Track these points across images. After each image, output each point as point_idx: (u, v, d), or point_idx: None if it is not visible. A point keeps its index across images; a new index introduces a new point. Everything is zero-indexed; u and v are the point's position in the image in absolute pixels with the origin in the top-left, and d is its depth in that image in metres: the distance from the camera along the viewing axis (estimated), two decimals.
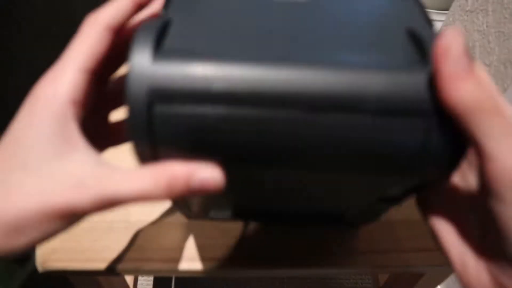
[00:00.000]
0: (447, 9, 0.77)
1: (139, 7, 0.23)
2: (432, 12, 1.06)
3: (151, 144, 0.20)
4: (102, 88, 0.24)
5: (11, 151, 0.20)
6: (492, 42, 0.61)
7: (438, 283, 0.50)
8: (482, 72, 0.18)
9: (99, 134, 0.25)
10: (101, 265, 0.37)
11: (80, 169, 0.19)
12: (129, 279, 0.62)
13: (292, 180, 0.24)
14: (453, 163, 0.20)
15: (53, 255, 0.37)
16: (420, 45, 0.20)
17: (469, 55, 0.18)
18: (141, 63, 0.19)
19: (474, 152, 0.18)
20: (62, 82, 0.20)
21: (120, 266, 0.37)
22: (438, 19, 1.03)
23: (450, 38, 0.18)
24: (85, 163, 0.20)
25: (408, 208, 0.43)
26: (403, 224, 0.41)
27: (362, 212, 0.31)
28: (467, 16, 0.68)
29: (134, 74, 0.19)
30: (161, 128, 0.19)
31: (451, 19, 0.74)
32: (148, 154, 0.20)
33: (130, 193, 0.19)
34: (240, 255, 0.39)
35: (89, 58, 0.21)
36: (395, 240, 0.40)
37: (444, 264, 0.40)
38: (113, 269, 0.37)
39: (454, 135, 0.19)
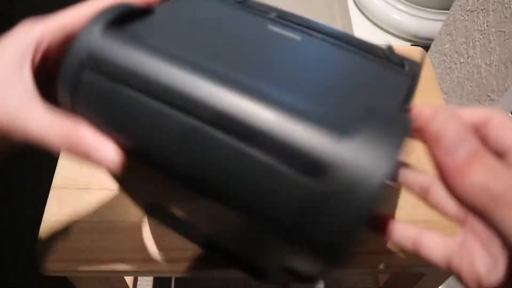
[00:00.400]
0: (447, 9, 0.77)
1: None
2: (433, 11, 1.06)
3: (72, 99, 0.22)
4: None
5: None
6: (492, 42, 0.61)
7: (439, 284, 0.50)
8: (490, 156, 0.14)
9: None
10: (101, 265, 0.37)
11: (13, 94, 0.22)
12: (129, 279, 0.62)
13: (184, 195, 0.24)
14: (335, 254, 0.17)
15: (53, 255, 0.37)
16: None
17: (469, 137, 0.14)
18: (92, 32, 0.21)
19: (499, 241, 0.15)
20: (38, 28, 0.23)
21: (120, 267, 0.37)
22: (439, 18, 1.03)
23: (442, 120, 0.15)
24: (20, 92, 0.22)
25: (410, 208, 0.43)
26: None
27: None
28: (468, 15, 0.68)
29: (81, 37, 0.21)
30: (84, 91, 0.21)
31: (451, 19, 0.74)
32: (67, 104, 0.22)
33: (35, 136, 0.21)
34: None
35: (75, 24, 0.23)
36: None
37: None
38: (112, 270, 0.37)
39: (344, 217, 0.16)
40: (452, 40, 0.74)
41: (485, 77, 0.63)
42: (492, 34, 0.61)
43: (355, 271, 0.39)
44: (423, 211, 0.43)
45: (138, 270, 0.38)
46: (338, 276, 0.81)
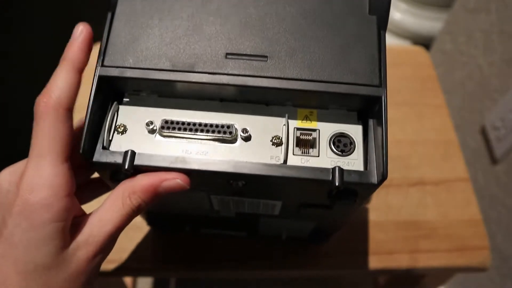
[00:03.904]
0: (448, 6, 0.77)
1: (82, 73, 0.22)
2: (434, 10, 1.05)
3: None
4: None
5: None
6: (495, 41, 0.61)
7: (439, 285, 0.50)
8: None
9: (82, 191, 0.25)
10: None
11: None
12: (128, 279, 0.62)
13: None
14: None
15: None
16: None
17: None
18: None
19: None
20: (50, 184, 0.19)
21: (119, 267, 0.37)
22: (440, 17, 1.03)
23: None
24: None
25: (410, 209, 0.42)
26: (404, 225, 0.41)
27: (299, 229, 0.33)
28: (470, 14, 0.67)
29: None
30: None
31: (453, 18, 0.73)
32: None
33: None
34: (233, 257, 0.38)
35: (64, 147, 0.20)
36: (396, 241, 0.40)
37: (445, 266, 0.40)
38: (112, 270, 0.37)
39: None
40: (454, 39, 0.73)
41: (487, 77, 0.63)
42: (494, 33, 0.61)
43: (356, 272, 0.39)
44: (426, 211, 0.43)
45: (137, 270, 0.38)
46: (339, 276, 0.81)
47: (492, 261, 0.43)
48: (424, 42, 1.02)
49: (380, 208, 0.42)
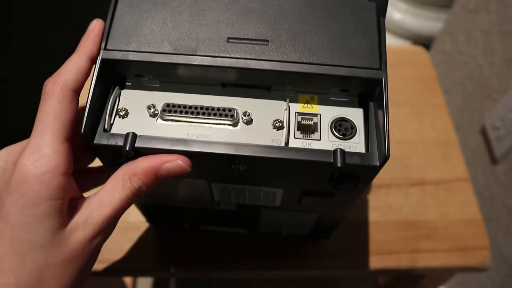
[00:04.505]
0: (448, 6, 0.77)
1: (93, 62, 0.23)
2: (434, 10, 1.06)
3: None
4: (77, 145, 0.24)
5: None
6: (495, 41, 0.61)
7: (439, 285, 0.50)
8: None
9: (81, 180, 0.25)
10: (100, 266, 0.37)
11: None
12: (128, 279, 0.62)
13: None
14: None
15: None
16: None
17: None
18: None
19: None
20: (48, 161, 0.20)
21: (119, 267, 0.37)
22: (440, 17, 1.03)
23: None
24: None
25: (410, 209, 0.42)
26: (404, 225, 0.41)
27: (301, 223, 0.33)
28: (470, 14, 0.67)
29: None
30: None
31: (453, 18, 0.73)
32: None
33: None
34: (233, 257, 0.38)
35: (65, 127, 0.21)
36: (396, 241, 0.40)
37: (445, 266, 0.40)
38: (112, 270, 0.37)
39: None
40: (454, 39, 0.73)
41: (487, 77, 0.63)
42: (494, 33, 0.61)
43: (356, 272, 0.39)
44: (426, 211, 0.43)
45: (137, 270, 0.38)
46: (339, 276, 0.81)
47: (492, 261, 0.43)
48: (424, 42, 1.02)
49: (380, 208, 0.42)
